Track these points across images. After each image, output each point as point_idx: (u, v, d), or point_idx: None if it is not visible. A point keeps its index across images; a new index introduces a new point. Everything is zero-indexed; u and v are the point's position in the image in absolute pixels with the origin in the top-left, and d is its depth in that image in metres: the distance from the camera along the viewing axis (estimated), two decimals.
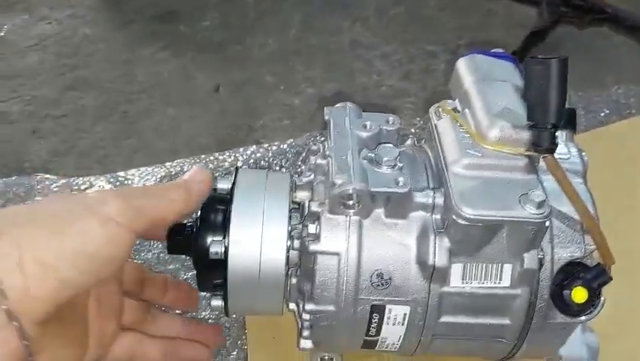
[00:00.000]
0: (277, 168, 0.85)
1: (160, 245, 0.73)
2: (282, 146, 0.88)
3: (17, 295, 0.35)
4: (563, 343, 0.51)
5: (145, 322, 0.51)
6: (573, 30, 1.16)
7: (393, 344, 0.50)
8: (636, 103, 0.94)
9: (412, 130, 0.92)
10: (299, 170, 0.85)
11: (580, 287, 0.47)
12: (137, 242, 0.72)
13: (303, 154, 0.87)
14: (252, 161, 0.85)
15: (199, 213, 0.52)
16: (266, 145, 0.88)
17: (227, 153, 0.86)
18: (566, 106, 0.47)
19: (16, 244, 0.36)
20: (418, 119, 0.94)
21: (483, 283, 0.47)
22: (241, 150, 0.87)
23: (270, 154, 0.86)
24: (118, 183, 0.79)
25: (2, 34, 1.19)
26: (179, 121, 0.96)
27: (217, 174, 0.83)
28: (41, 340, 0.37)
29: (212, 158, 0.85)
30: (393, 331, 0.49)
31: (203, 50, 1.12)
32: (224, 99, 1.01)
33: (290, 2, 1.24)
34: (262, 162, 0.86)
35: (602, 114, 0.92)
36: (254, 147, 0.87)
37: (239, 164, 0.84)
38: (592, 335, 0.54)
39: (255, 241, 0.49)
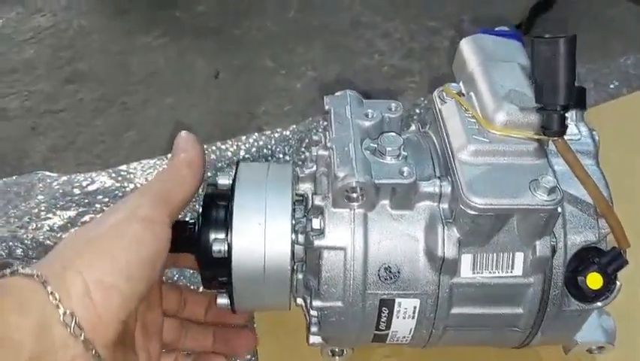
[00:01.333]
0: (280, 155, 0.84)
1: None
2: (284, 132, 0.86)
3: (90, 323, 0.38)
4: (579, 329, 0.50)
5: (180, 338, 0.52)
6: None
7: (404, 337, 0.49)
8: None
9: (417, 110, 0.90)
10: (302, 157, 0.84)
11: (595, 273, 0.46)
12: None
13: (306, 140, 0.86)
14: (254, 149, 0.84)
15: (201, 210, 0.51)
16: (268, 132, 0.86)
17: (230, 142, 0.84)
18: (575, 83, 0.45)
19: (78, 273, 0.38)
20: (422, 99, 0.92)
21: (494, 273, 0.45)
22: (243, 138, 0.85)
23: (273, 141, 0.85)
24: (120, 178, 0.78)
25: None
26: (179, 110, 0.95)
27: (220, 164, 0.82)
28: None
29: (214, 148, 0.83)
30: (403, 324, 0.47)
31: (200, 35, 1.10)
32: (224, 86, 0.99)
33: None
34: (265, 149, 0.84)
35: (612, 86, 0.89)
36: (256, 134, 0.85)
37: (241, 152, 0.83)
38: (608, 318, 0.53)
39: (259, 237, 0.47)
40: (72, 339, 0.37)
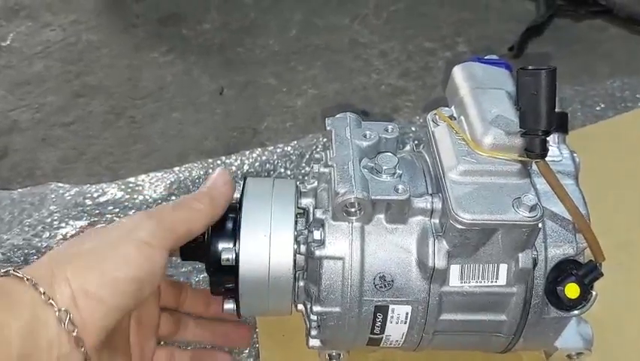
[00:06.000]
0: (282, 170, 0.88)
1: None
2: (286, 148, 0.90)
3: (79, 325, 0.39)
4: (558, 335, 0.54)
5: (178, 332, 0.55)
6: (569, 23, 1.17)
7: (397, 341, 0.53)
8: (631, 96, 0.96)
9: (412, 128, 0.94)
10: (303, 171, 0.88)
11: (572, 283, 0.50)
12: None
13: (307, 156, 0.90)
14: (257, 164, 0.88)
15: None
16: (270, 148, 0.90)
17: (234, 157, 0.88)
18: (560, 107, 0.49)
19: (66, 279, 0.40)
20: (418, 117, 0.96)
21: (480, 283, 0.49)
22: (247, 153, 0.90)
23: (275, 157, 0.89)
24: (129, 190, 0.82)
25: (8, 42, 1.21)
26: (185, 125, 0.99)
27: None
28: None
29: (219, 162, 0.87)
30: (396, 329, 0.51)
31: (205, 53, 1.14)
32: (228, 102, 1.03)
33: (290, 1, 1.26)
34: (267, 164, 0.88)
35: (598, 108, 0.94)
36: (259, 150, 0.90)
37: (245, 167, 0.87)
38: (586, 326, 0.57)
39: (264, 247, 0.51)
40: (64, 335, 0.39)
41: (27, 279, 0.39)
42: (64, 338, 0.39)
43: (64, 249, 0.44)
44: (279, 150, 0.90)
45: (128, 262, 0.42)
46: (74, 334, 0.39)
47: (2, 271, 0.40)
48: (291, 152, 0.90)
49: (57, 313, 0.39)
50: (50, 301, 0.39)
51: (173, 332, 0.55)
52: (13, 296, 0.39)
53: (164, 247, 0.44)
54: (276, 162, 0.89)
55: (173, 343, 0.55)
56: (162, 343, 0.54)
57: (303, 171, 0.88)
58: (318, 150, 0.88)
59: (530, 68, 0.47)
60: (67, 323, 0.39)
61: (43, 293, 0.39)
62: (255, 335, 0.67)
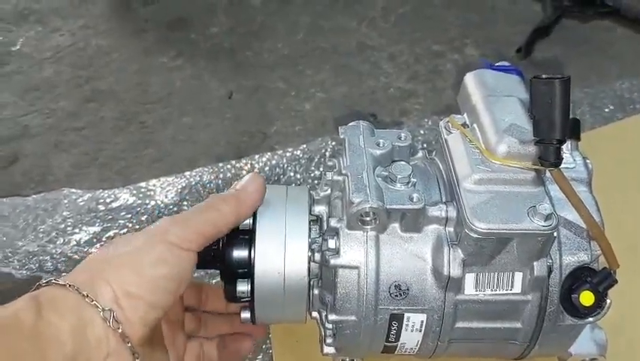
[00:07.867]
0: (292, 174, 0.88)
1: None
2: (295, 152, 0.91)
3: (123, 322, 0.42)
4: (573, 342, 0.54)
5: (200, 329, 0.58)
6: (576, 24, 1.17)
7: (412, 348, 0.53)
8: (639, 97, 0.96)
9: (422, 131, 0.94)
10: (312, 175, 0.88)
11: (587, 291, 0.50)
12: None
13: (316, 159, 0.90)
14: (267, 168, 0.88)
15: None
16: (280, 152, 0.91)
17: (244, 161, 0.89)
18: (571, 112, 0.49)
19: (107, 282, 0.43)
20: (426, 120, 0.97)
21: (495, 291, 0.50)
22: (257, 157, 0.90)
23: (285, 160, 0.90)
24: (141, 195, 0.82)
25: (18, 47, 1.22)
26: (195, 129, 0.99)
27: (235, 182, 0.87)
28: (144, 359, 0.44)
29: (229, 166, 0.88)
30: (411, 337, 0.52)
31: (214, 57, 1.15)
32: (238, 106, 1.04)
33: (297, 3, 1.26)
34: (277, 168, 0.89)
35: (607, 110, 0.94)
36: (269, 154, 0.90)
37: (255, 171, 0.87)
38: (600, 332, 0.57)
39: (279, 256, 0.52)
40: (110, 333, 0.41)
41: (69, 285, 0.42)
42: (111, 335, 0.42)
43: (99, 255, 0.46)
44: (288, 154, 0.90)
45: (163, 261, 0.44)
46: (119, 331, 0.42)
47: (44, 281, 0.43)
48: (301, 156, 0.90)
49: (101, 312, 0.41)
50: (94, 302, 0.41)
51: (196, 330, 0.58)
52: (59, 302, 0.41)
53: (192, 248, 0.46)
54: (285, 165, 0.89)
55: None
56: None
57: (312, 175, 0.88)
58: (328, 155, 0.89)
59: (544, 76, 0.47)
60: (111, 321, 0.41)
61: (87, 296, 0.41)
62: (268, 341, 0.67)
